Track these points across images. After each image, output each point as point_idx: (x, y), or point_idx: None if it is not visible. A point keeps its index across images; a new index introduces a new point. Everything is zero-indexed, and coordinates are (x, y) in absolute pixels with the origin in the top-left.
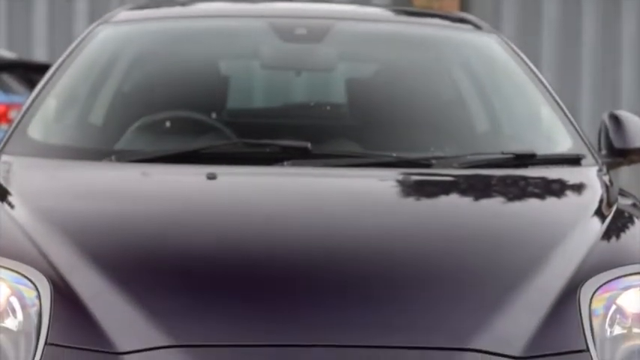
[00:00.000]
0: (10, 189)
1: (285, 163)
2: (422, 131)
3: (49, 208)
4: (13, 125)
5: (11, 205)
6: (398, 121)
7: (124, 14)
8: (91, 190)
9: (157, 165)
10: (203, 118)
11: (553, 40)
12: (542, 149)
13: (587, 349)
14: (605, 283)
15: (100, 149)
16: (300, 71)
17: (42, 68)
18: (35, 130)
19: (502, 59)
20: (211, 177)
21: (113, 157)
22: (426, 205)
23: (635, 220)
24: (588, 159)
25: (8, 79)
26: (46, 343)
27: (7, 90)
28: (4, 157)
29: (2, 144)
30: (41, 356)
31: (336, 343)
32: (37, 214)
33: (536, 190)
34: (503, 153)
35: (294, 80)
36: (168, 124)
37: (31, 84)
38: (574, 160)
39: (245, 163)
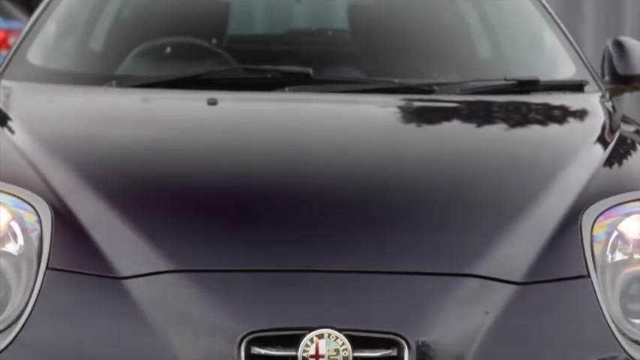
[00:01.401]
0: (9, 114)
1: (287, 88)
2: (424, 57)
3: (49, 133)
4: (13, 50)
5: (11, 130)
6: (400, 47)
7: None
8: (91, 115)
9: (157, 90)
10: (204, 44)
11: None
12: (545, 75)
13: (588, 275)
14: (607, 210)
15: (100, 74)
16: None
17: None
18: (35, 55)
19: None
20: (212, 102)
21: (113, 82)
22: (428, 131)
23: (638, 146)
24: (591, 85)
25: (8, 5)
26: (47, 268)
27: (6, 16)
28: (4, 82)
29: (1, 69)
30: (42, 280)
31: (336, 269)
32: (37, 139)
33: (539, 117)
34: (506, 79)
35: (295, 6)
36: (168, 49)
37: (30, 10)
38: (577, 87)
39: (246, 89)
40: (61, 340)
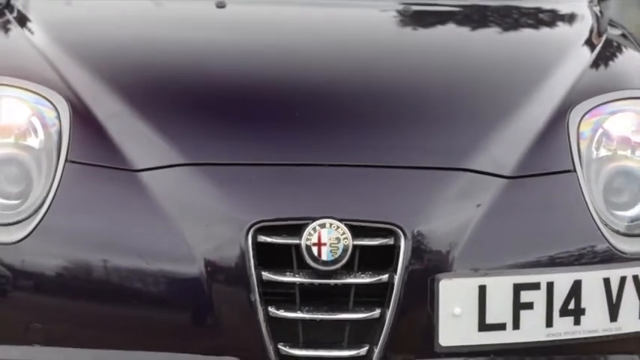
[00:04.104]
0: (28, 15)
1: None
2: None
3: (67, 33)
4: None
5: (30, 31)
6: None
7: None
8: (107, 16)
9: None
10: None
11: None
12: None
13: (574, 170)
14: (593, 108)
15: None
16: None
17: None
18: None
19: None
20: (220, 5)
21: None
22: (423, 34)
23: (623, 49)
24: None
25: None
26: (66, 161)
27: None
28: None
29: None
30: (62, 172)
31: (337, 162)
32: (54, 39)
33: (529, 21)
34: None
35: None
36: None
37: None
38: None
39: None
40: (79, 228)
